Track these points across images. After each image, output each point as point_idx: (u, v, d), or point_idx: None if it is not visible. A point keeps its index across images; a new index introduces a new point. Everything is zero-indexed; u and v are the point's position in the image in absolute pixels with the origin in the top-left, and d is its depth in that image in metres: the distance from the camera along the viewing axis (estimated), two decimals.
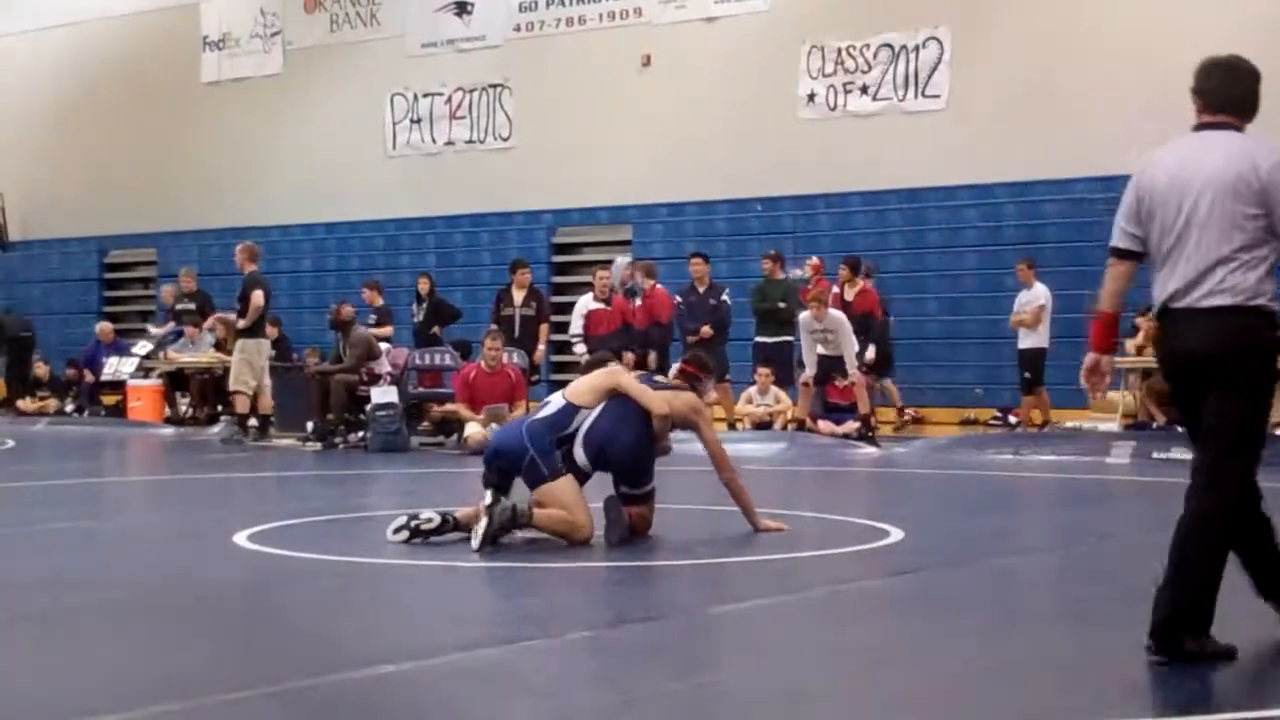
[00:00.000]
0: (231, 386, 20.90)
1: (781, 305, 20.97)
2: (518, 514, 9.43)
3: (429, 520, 9.57)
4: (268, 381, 20.98)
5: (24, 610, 7.36)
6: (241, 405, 20.80)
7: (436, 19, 28.95)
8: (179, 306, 25.58)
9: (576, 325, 21.10)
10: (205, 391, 24.02)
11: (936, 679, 5.86)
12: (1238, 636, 6.11)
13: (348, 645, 6.44)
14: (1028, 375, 20.71)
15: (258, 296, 20.52)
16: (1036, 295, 20.66)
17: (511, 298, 21.61)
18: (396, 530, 9.55)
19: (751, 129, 25.38)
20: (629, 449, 9.86)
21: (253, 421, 20.87)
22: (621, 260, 22.50)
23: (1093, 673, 5.93)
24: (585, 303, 21.25)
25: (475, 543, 9.25)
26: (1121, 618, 7.28)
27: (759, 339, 21.20)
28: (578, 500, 9.63)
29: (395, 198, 28.99)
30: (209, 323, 24.22)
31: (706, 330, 20.75)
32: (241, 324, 20.70)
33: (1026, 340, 20.68)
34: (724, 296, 21.16)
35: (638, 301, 21.18)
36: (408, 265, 27.24)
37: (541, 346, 21.48)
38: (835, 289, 20.61)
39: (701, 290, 21.23)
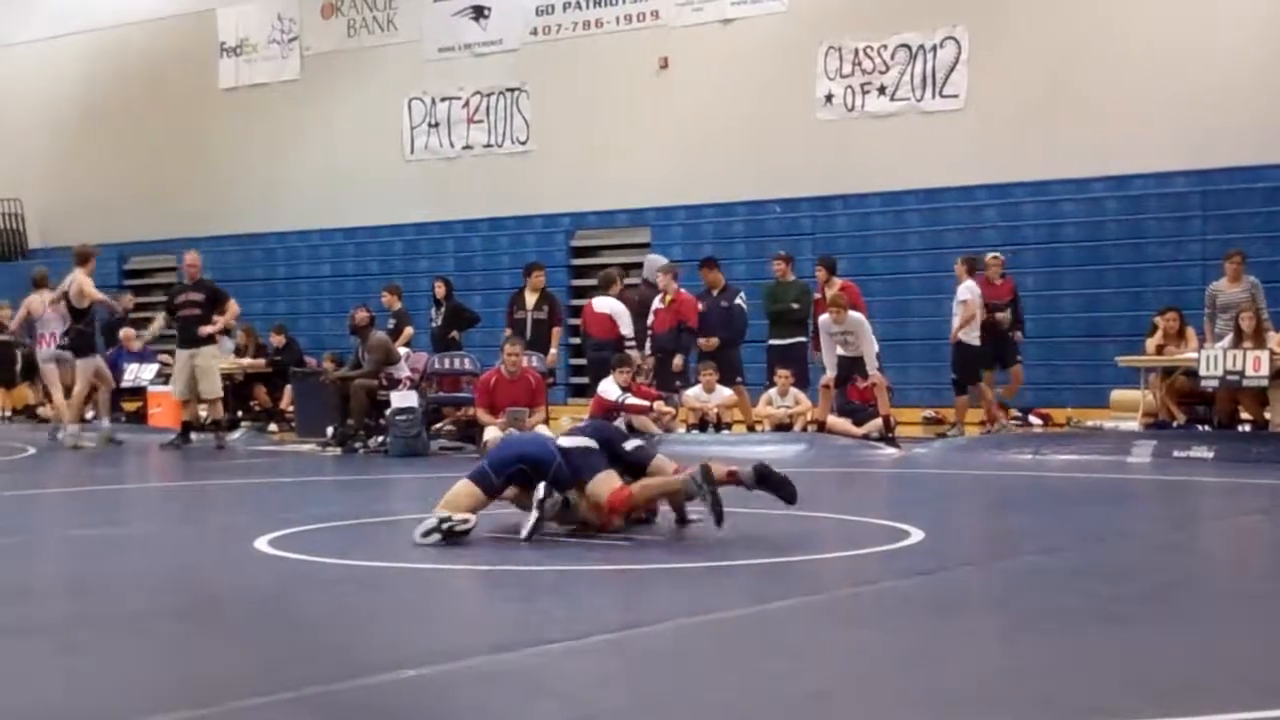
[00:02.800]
0: (213, 395, 21.04)
1: (795, 306, 20.94)
2: (570, 504, 9.93)
3: (463, 522, 9.65)
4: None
5: (44, 616, 7.37)
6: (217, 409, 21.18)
7: (453, 23, 29.00)
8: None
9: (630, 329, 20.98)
10: (225, 397, 24.02)
11: (959, 679, 5.84)
12: (1255, 637, 6.09)
13: (369, 650, 6.44)
14: (954, 377, 20.73)
15: (235, 305, 21.13)
16: (961, 291, 20.67)
17: (524, 301, 21.58)
18: (426, 534, 9.58)
19: (769, 130, 25.39)
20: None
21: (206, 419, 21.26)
22: (656, 258, 22.38)
23: (1116, 672, 5.91)
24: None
25: (524, 533, 9.66)
26: (1144, 616, 7.27)
27: (772, 341, 21.14)
28: None
29: (413, 202, 29.04)
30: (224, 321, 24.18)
31: (713, 341, 20.66)
32: (212, 329, 20.90)
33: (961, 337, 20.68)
34: (738, 300, 21.06)
35: (658, 302, 21.11)
36: (426, 269, 27.23)
37: (554, 350, 21.43)
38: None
39: (715, 294, 21.15)
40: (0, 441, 22.40)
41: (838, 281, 20.74)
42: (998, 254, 21.67)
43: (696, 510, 10.21)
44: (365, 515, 12.35)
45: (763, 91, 25.61)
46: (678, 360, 20.61)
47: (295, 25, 31.07)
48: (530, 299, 21.54)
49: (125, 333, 27.79)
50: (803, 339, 20.87)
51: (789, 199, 25.54)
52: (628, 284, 21.98)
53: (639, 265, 22.98)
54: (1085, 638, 6.65)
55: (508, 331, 20.17)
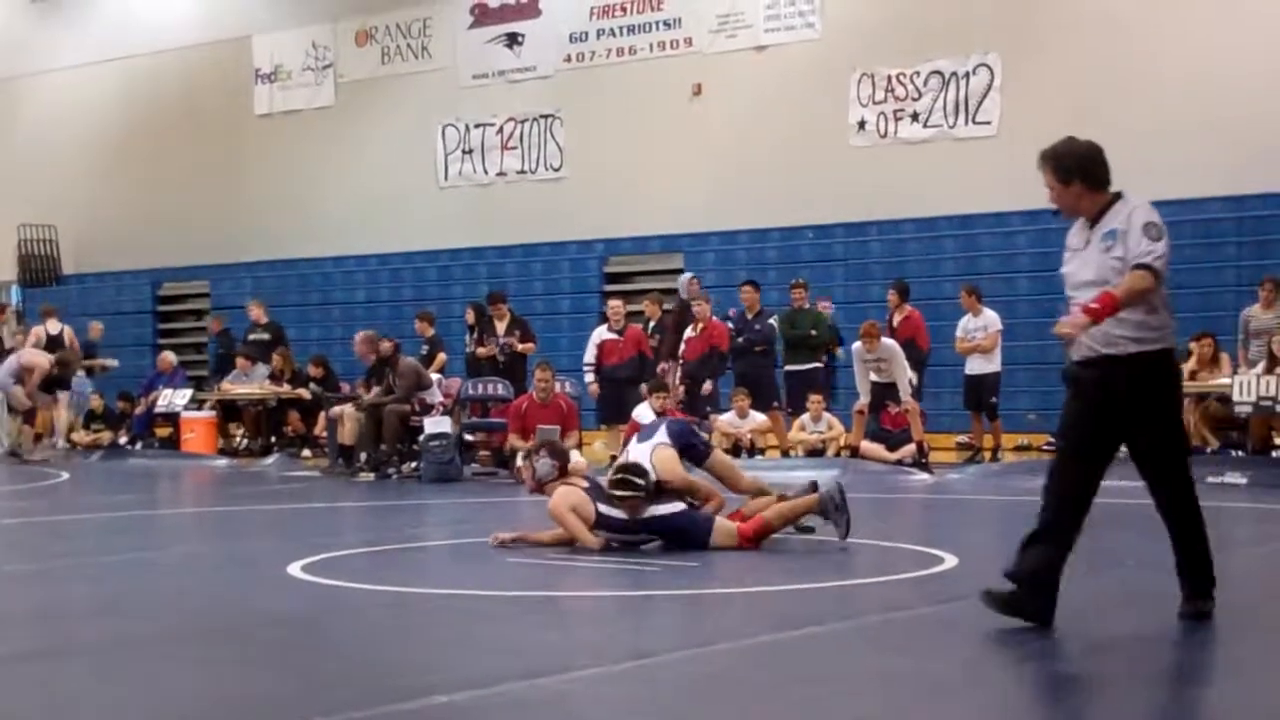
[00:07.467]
0: None
1: (813, 333, 20.95)
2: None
3: None
4: None
5: (79, 640, 7.41)
6: None
7: (487, 50, 29.09)
8: (251, 337, 25.70)
9: (589, 355, 21.15)
10: (259, 423, 24.10)
11: (993, 706, 5.84)
12: None
13: (402, 675, 6.45)
14: (994, 400, 20.71)
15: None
16: (992, 320, 20.69)
17: (494, 329, 21.86)
18: None
19: (802, 157, 25.40)
20: None
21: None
22: (685, 276, 22.44)
23: (1148, 697, 5.90)
24: (600, 333, 21.33)
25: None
26: (1176, 644, 7.24)
27: (789, 367, 21.16)
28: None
29: (447, 228, 29.11)
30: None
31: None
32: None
33: (988, 366, 20.68)
34: (771, 321, 21.13)
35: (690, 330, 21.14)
36: (460, 296, 27.27)
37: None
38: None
39: (750, 317, 21.19)
40: (32, 468, 22.51)
41: (907, 308, 20.74)
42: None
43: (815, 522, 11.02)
44: (399, 541, 12.37)
45: (796, 118, 25.62)
46: (707, 385, 20.62)
47: (330, 52, 31.20)
48: (501, 327, 21.85)
49: (162, 356, 27.85)
50: (818, 364, 20.94)
51: (822, 225, 25.53)
52: (664, 309, 22.11)
53: (674, 291, 23.08)
54: (1118, 664, 6.63)
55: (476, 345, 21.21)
